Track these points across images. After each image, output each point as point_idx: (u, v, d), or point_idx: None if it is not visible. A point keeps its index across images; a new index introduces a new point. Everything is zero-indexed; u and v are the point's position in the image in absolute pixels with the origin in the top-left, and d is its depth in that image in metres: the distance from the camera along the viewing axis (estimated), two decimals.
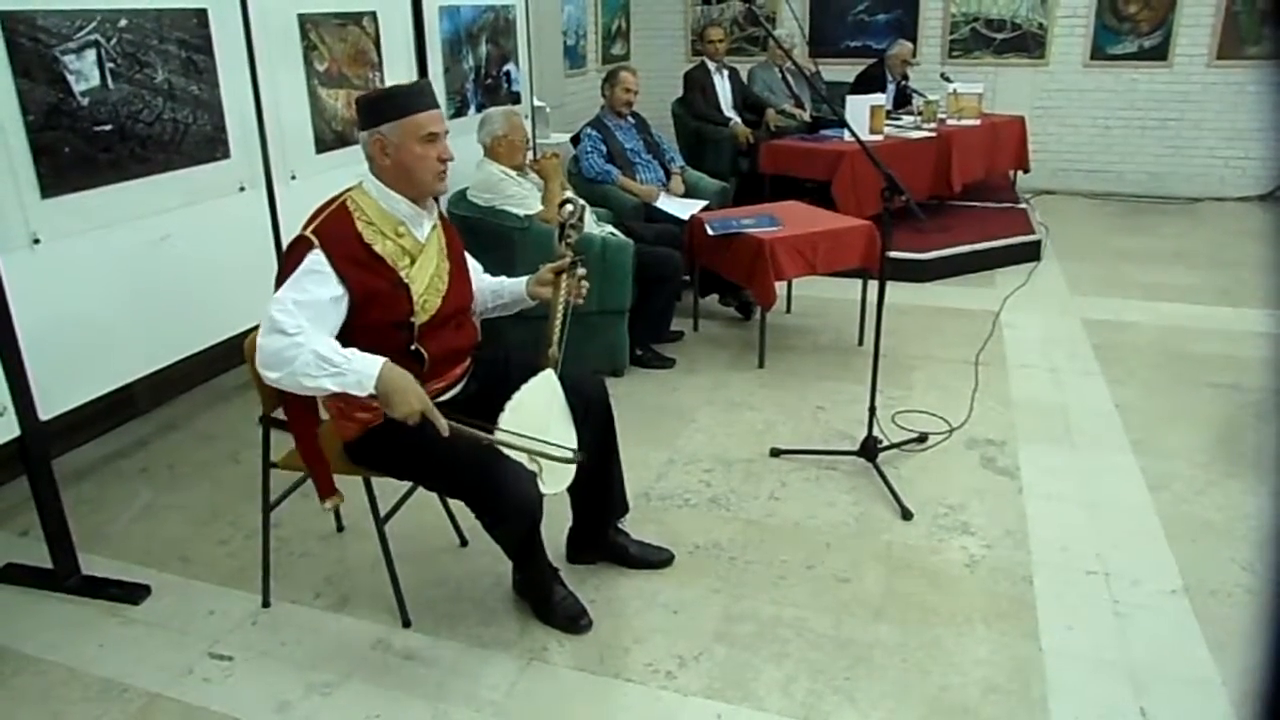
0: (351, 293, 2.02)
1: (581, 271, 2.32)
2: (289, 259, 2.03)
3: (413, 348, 2.12)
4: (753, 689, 2.13)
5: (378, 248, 2.08)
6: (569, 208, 2.40)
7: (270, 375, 1.96)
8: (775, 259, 3.81)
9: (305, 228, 2.06)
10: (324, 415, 2.25)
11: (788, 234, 3.92)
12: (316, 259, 2.00)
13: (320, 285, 1.99)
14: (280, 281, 2.03)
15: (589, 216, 3.86)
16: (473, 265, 2.40)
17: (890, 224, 2.97)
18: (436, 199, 2.24)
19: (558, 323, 2.25)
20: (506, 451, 2.05)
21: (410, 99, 2.09)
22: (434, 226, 2.22)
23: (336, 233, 2.05)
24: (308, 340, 1.93)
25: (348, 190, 2.15)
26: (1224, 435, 3.36)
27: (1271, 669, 0.61)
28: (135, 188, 2.67)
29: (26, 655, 2.27)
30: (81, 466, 3.21)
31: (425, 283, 2.15)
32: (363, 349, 1.99)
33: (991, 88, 7.11)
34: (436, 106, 2.15)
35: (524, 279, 2.40)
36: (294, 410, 2.17)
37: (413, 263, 2.13)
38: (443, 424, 1.95)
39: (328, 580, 2.57)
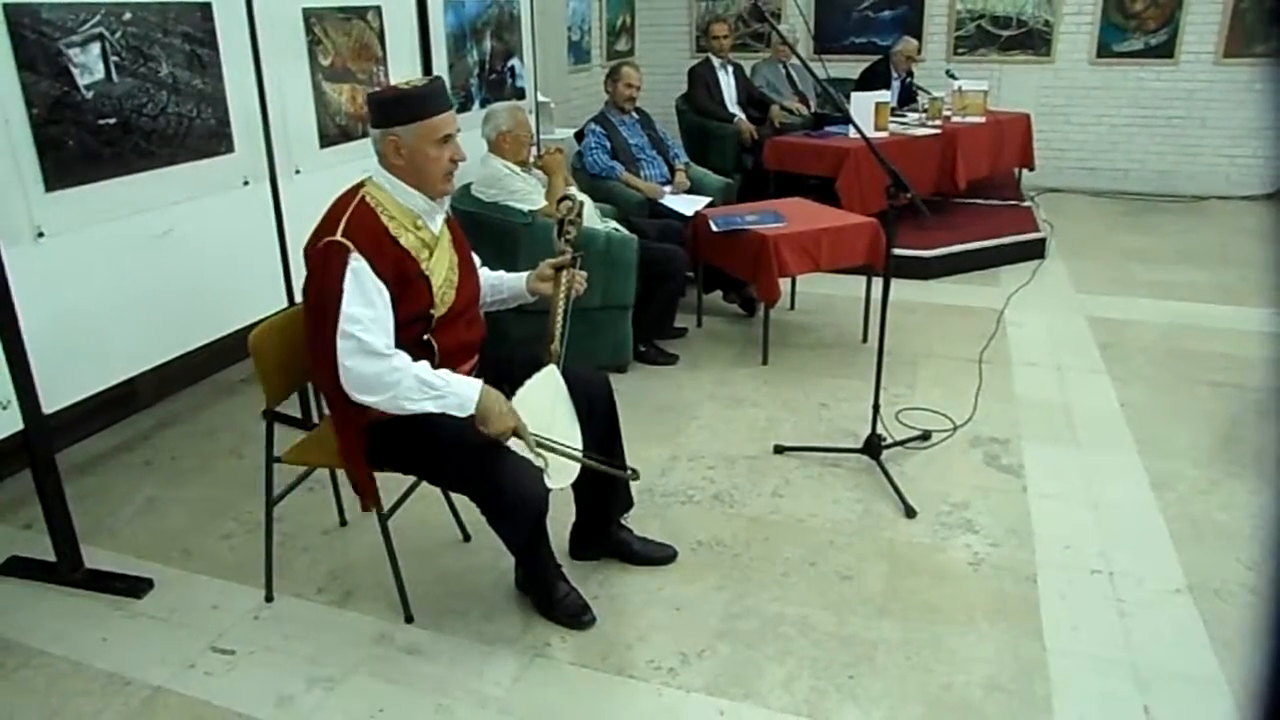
0: (390, 290, 2.04)
1: (582, 273, 2.33)
2: (328, 267, 1.99)
3: (425, 338, 2.12)
4: (755, 686, 2.12)
5: (403, 241, 2.09)
6: (567, 203, 2.40)
7: (367, 399, 2.01)
8: (779, 255, 3.80)
9: (331, 229, 2.02)
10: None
11: (792, 230, 3.92)
12: (360, 265, 1.99)
13: (380, 295, 2.01)
14: (325, 290, 1.99)
15: (593, 212, 3.86)
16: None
17: (895, 221, 2.96)
18: None
19: (559, 318, 2.25)
20: (513, 447, 2.06)
21: (426, 101, 2.08)
22: (445, 220, 2.23)
23: (366, 231, 2.04)
24: (404, 363, 2.00)
25: (360, 185, 2.13)
26: (1228, 435, 3.35)
27: (1274, 669, 0.61)
28: (139, 181, 2.67)
29: (30, 648, 2.27)
30: (85, 460, 3.21)
31: (442, 276, 2.16)
32: None
33: (997, 85, 7.08)
34: (451, 107, 2.14)
35: (524, 274, 2.40)
36: (342, 416, 2.13)
37: (431, 255, 2.14)
38: (531, 440, 2.04)
39: (331, 575, 2.57)
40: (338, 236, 2.00)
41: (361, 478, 2.18)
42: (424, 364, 2.04)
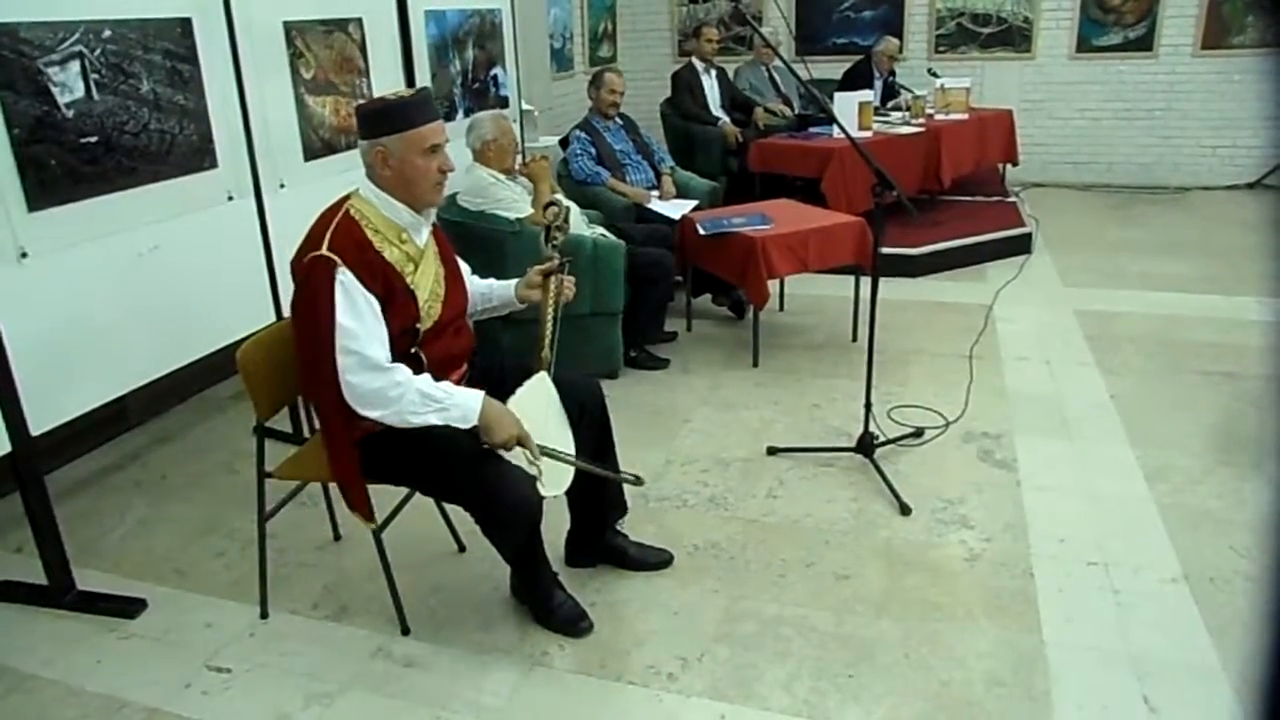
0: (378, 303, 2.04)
1: (570, 278, 2.33)
2: (315, 281, 1.99)
3: (413, 351, 2.11)
4: (755, 689, 2.12)
5: (387, 255, 2.08)
6: (554, 209, 2.40)
7: (373, 414, 2.01)
8: (767, 257, 3.81)
9: (317, 244, 2.01)
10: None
11: (779, 232, 3.92)
12: (348, 278, 1.98)
13: (371, 307, 2.00)
14: (316, 306, 1.98)
15: (579, 218, 3.85)
16: (463, 268, 2.39)
17: (881, 220, 2.97)
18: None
19: (549, 325, 2.25)
20: (506, 456, 2.06)
21: (414, 111, 2.07)
22: (430, 232, 2.22)
23: (352, 246, 2.03)
24: (406, 377, 2.00)
25: (346, 198, 2.13)
26: (1219, 423, 3.37)
27: (1271, 656, 0.61)
28: (123, 199, 2.65)
29: (22, 672, 2.25)
30: (74, 481, 3.18)
31: (428, 289, 2.15)
32: None
33: (979, 82, 7.12)
34: (439, 117, 2.14)
35: (513, 282, 2.40)
36: (333, 430, 2.10)
37: (416, 269, 2.13)
38: (534, 449, 2.05)
39: (326, 589, 2.55)
40: (324, 251, 1.99)
41: (355, 493, 2.16)
42: (426, 377, 2.03)
